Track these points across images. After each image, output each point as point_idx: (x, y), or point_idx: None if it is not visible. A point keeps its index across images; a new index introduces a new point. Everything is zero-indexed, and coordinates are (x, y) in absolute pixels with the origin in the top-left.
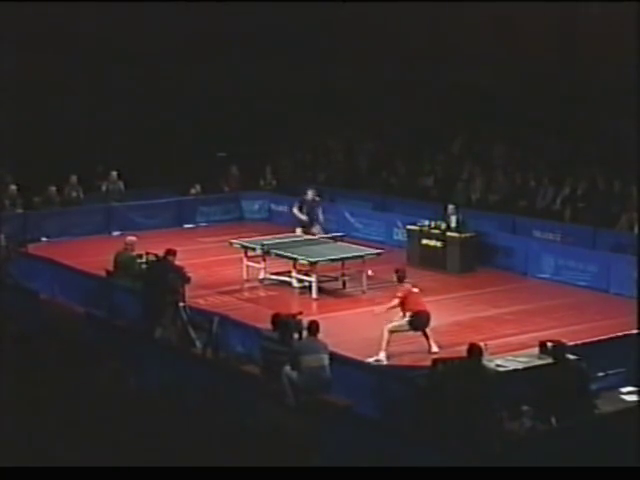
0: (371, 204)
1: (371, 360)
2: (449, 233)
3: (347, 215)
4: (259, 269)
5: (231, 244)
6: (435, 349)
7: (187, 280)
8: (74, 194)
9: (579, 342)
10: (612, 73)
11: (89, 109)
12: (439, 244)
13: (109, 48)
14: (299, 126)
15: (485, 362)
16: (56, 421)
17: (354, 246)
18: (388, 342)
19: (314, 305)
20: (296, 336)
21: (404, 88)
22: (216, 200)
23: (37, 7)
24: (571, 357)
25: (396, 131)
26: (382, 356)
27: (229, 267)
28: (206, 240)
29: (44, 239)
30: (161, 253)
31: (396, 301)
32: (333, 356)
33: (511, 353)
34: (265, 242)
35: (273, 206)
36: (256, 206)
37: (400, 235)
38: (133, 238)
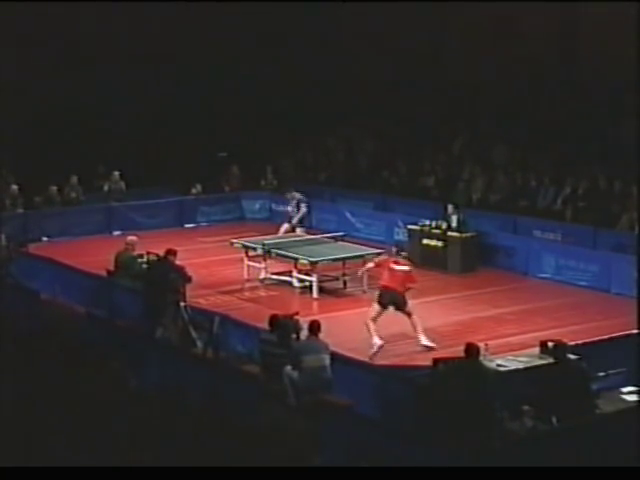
0: (372, 204)
1: (372, 352)
2: (450, 233)
3: (348, 215)
4: (260, 269)
5: (232, 244)
6: (424, 341)
7: (188, 280)
8: (74, 194)
9: (580, 342)
10: (612, 72)
11: (90, 109)
12: (440, 244)
13: (110, 47)
14: (300, 126)
15: (485, 362)
16: (57, 421)
17: (355, 246)
18: (375, 330)
19: (315, 305)
20: (294, 337)
21: (405, 87)
22: (217, 200)
23: (36, 7)
24: (572, 357)
25: (397, 131)
26: (376, 341)
27: (230, 267)
28: (207, 240)
29: (45, 239)
30: (162, 253)
31: (371, 264)
32: (334, 356)
33: (512, 353)
34: (266, 242)
35: (274, 206)
36: (257, 206)
37: (401, 235)
38: (134, 238)
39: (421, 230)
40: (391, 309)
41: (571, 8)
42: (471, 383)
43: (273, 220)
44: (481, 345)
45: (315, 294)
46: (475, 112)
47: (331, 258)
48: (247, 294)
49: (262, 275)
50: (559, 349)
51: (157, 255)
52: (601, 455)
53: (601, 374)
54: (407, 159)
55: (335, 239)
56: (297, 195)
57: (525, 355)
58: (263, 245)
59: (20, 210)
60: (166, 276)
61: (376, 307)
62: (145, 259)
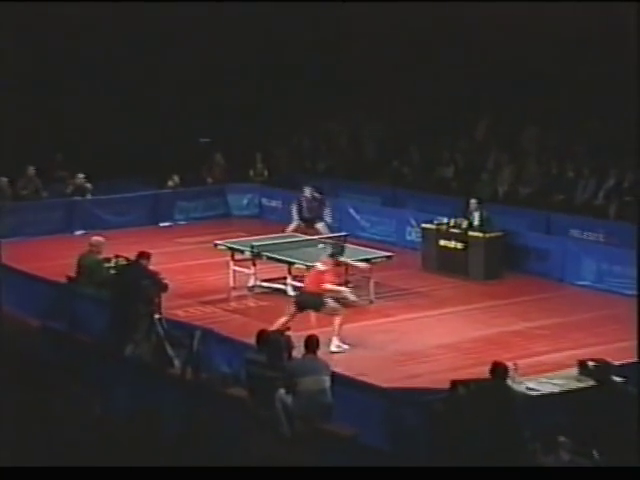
0: (380, 198)
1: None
2: (471, 233)
3: (351, 211)
4: (248, 275)
5: (215, 246)
6: (334, 347)
7: (163, 288)
8: (30, 188)
9: (626, 362)
10: None
11: (46, 86)
12: (460, 246)
13: (70, 21)
14: (295, 107)
15: (513, 384)
16: (8, 455)
17: (360, 248)
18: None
19: (312, 317)
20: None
21: (418, 60)
22: (198, 194)
23: None
24: (617, 379)
25: (409, 112)
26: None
27: (213, 273)
28: (186, 241)
29: None
30: (133, 256)
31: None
32: (335, 377)
33: (545, 374)
34: (255, 243)
35: (264, 201)
36: (245, 201)
37: (414, 235)
38: (99, 238)
39: (437, 229)
40: (311, 312)
41: None
42: (497, 409)
43: (264, 217)
44: (509, 365)
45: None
46: (501, 89)
47: None
48: (233, 304)
49: (251, 282)
50: (601, 370)
51: (127, 259)
52: None
53: None
54: (421, 145)
55: (337, 240)
56: (310, 192)
57: (561, 377)
58: (252, 247)
59: None
60: (138, 283)
61: (292, 308)
62: (113, 263)
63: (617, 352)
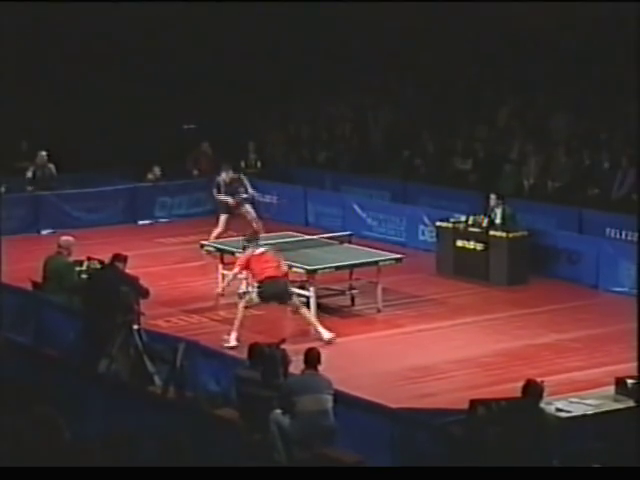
0: (388, 193)
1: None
2: (493, 232)
3: (356, 208)
4: (239, 280)
5: (202, 246)
6: (326, 335)
7: (143, 295)
8: None
9: None
10: None
11: (9, 68)
12: (479, 247)
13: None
14: (292, 90)
15: (542, 405)
16: None
17: (365, 249)
18: (241, 321)
19: (313, 328)
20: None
21: (430, 37)
22: (182, 188)
23: None
24: None
25: (421, 96)
26: (232, 338)
27: (199, 277)
28: (168, 241)
29: None
30: (107, 259)
31: (236, 269)
32: (338, 396)
33: (577, 393)
34: (247, 243)
35: (257, 196)
36: None
37: (427, 235)
38: (69, 239)
39: (454, 228)
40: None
41: None
42: (527, 435)
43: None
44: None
45: (313, 313)
46: (526, 70)
47: (334, 266)
48: (222, 313)
49: (242, 288)
50: None
51: (101, 262)
52: None
53: None
54: (435, 134)
55: (340, 240)
56: (226, 175)
57: (595, 396)
58: (243, 248)
59: None
60: (113, 290)
61: (255, 298)
62: (85, 267)
63: None
